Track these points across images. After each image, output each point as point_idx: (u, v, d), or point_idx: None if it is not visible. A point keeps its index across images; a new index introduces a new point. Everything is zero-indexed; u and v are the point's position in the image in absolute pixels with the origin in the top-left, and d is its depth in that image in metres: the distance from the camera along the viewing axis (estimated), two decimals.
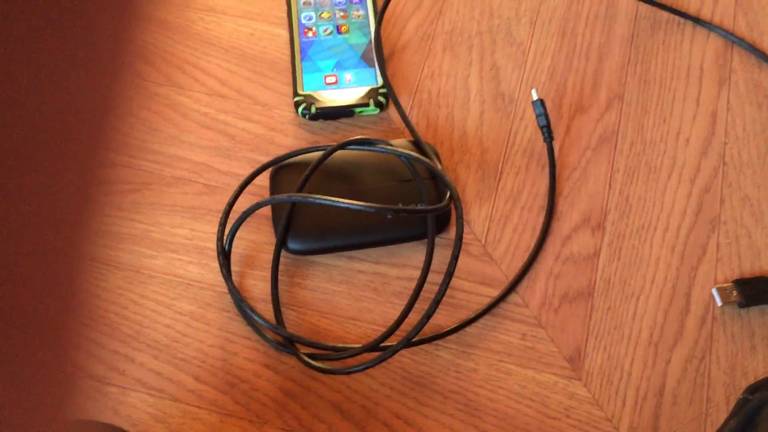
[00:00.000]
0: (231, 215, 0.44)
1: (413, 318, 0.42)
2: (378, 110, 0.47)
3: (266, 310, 0.42)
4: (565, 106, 0.48)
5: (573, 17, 0.52)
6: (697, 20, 0.51)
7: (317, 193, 0.43)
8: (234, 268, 0.43)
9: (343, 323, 0.41)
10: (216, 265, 0.43)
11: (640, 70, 0.50)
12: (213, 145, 0.47)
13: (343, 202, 0.39)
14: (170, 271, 0.43)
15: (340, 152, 0.45)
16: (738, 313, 0.41)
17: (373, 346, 0.39)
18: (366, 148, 0.44)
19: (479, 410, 0.39)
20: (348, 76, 0.48)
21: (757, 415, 0.35)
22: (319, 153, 0.45)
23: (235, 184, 0.46)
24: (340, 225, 0.42)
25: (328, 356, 0.40)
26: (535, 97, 0.46)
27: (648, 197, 0.45)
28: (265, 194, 0.45)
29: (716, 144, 0.47)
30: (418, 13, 0.52)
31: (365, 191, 0.43)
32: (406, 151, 0.43)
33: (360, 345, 0.40)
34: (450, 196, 0.41)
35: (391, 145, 0.44)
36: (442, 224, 0.43)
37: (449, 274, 0.39)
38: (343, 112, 0.47)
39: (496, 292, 0.42)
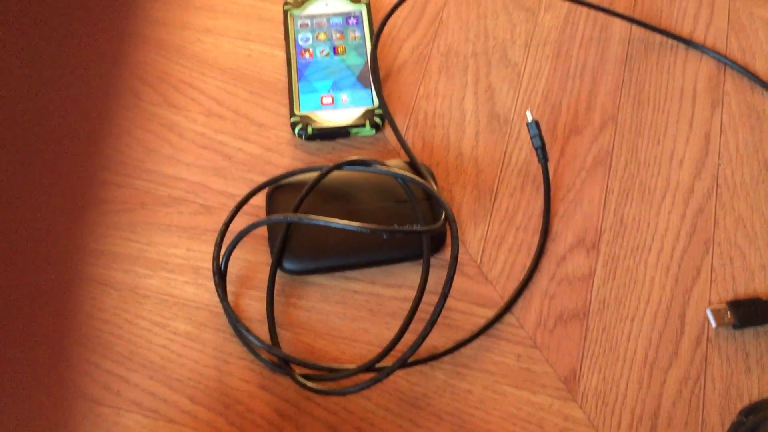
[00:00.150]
0: (227, 235, 0.44)
1: (409, 338, 0.42)
2: (374, 131, 0.48)
3: (262, 331, 0.42)
4: (560, 127, 0.49)
5: (567, 39, 0.52)
6: (689, 43, 0.52)
7: (313, 214, 0.43)
8: (230, 288, 0.43)
9: (339, 343, 0.41)
10: (212, 284, 0.43)
11: (634, 92, 0.50)
12: (209, 165, 0.47)
13: (339, 223, 0.39)
14: (166, 290, 0.43)
15: (336, 173, 0.45)
16: (732, 334, 0.42)
17: (369, 367, 0.39)
18: (362, 168, 0.44)
19: None
20: (344, 96, 0.49)
21: None
22: (315, 173, 0.45)
23: (232, 204, 0.46)
24: (336, 245, 0.42)
25: (323, 377, 0.40)
26: (530, 118, 0.46)
27: (642, 218, 0.45)
28: (262, 214, 0.45)
29: (710, 165, 0.47)
30: (414, 34, 0.53)
31: (361, 212, 0.43)
32: (402, 172, 0.43)
33: (355, 366, 0.40)
34: (445, 217, 0.42)
35: (387, 165, 0.44)
36: (437, 245, 0.43)
37: (445, 294, 0.39)
38: (340, 133, 0.47)
39: (491, 313, 0.42)
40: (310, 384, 0.39)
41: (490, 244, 0.45)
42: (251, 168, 0.47)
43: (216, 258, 0.42)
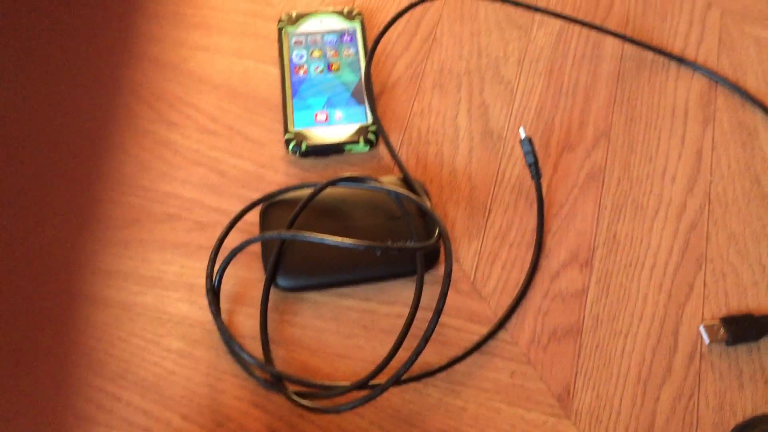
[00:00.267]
0: (221, 252, 0.44)
1: (402, 355, 0.42)
2: (368, 147, 0.48)
3: (255, 348, 0.42)
4: (553, 143, 0.49)
5: (560, 57, 0.53)
6: (681, 60, 0.52)
7: (307, 230, 0.43)
8: (223, 305, 0.43)
9: (332, 360, 0.41)
10: (205, 302, 0.43)
11: (627, 109, 0.50)
12: (203, 181, 0.47)
13: (333, 240, 0.39)
14: (159, 307, 0.43)
15: (330, 189, 0.45)
16: (725, 351, 0.42)
17: (362, 384, 0.39)
18: (356, 185, 0.44)
19: None
20: (338, 113, 0.49)
21: None
22: (309, 190, 0.45)
23: (226, 221, 0.46)
24: (330, 262, 0.42)
25: (316, 394, 0.39)
26: (523, 135, 0.46)
27: (635, 234, 0.45)
28: (256, 231, 0.45)
29: (702, 182, 0.47)
30: (408, 52, 0.53)
31: (355, 228, 0.43)
32: (396, 189, 0.43)
33: (349, 383, 0.40)
34: (439, 233, 0.42)
35: (381, 182, 0.44)
36: (431, 261, 0.43)
37: (438, 311, 0.39)
38: (334, 150, 0.48)
39: (485, 329, 0.42)
40: (303, 401, 0.39)
41: (484, 260, 0.45)
42: (245, 184, 0.47)
43: (209, 275, 0.42)
